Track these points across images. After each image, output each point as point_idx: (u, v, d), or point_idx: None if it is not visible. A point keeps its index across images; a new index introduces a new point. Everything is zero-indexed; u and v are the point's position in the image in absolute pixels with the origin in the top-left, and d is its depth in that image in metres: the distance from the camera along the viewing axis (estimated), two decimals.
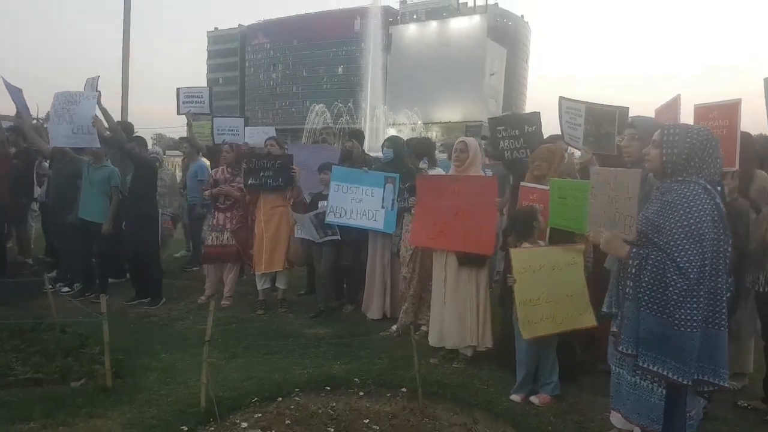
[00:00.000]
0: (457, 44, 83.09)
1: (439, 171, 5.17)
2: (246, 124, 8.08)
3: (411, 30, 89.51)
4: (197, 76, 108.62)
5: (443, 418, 3.74)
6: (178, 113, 8.00)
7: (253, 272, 6.34)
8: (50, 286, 5.44)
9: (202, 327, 5.39)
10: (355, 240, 5.90)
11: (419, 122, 63.14)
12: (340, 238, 5.74)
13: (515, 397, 3.93)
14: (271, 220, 6.03)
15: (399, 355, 4.66)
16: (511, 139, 4.81)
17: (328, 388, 4.08)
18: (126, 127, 7.39)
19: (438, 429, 3.58)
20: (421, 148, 5.24)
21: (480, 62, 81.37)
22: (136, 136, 6.84)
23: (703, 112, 4.34)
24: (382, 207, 5.50)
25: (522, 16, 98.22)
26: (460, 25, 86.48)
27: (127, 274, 7.27)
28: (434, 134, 62.45)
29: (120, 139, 6.45)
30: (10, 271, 7.39)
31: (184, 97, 8.02)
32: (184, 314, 5.96)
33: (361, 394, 4.00)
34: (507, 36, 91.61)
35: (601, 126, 4.30)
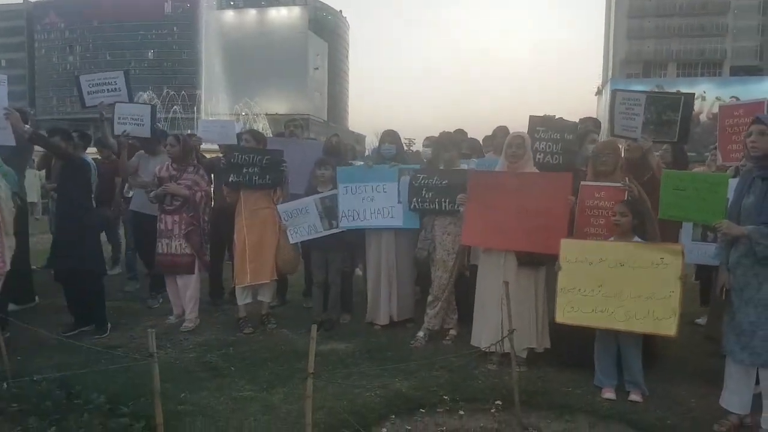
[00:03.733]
0: (278, 35, 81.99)
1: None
2: (153, 114, 6.37)
3: (229, 16, 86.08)
4: None
5: (549, 428, 3.56)
6: (85, 106, 6.43)
7: (233, 285, 5.50)
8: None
9: (193, 356, 4.64)
10: (348, 243, 5.41)
11: (243, 113, 60.92)
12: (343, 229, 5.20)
13: (609, 395, 3.87)
14: (254, 224, 5.28)
15: (457, 366, 4.35)
16: (550, 142, 4.70)
17: (423, 410, 3.66)
18: (21, 114, 5.88)
19: None
20: (470, 146, 4.91)
21: (303, 55, 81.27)
22: (58, 128, 5.53)
23: (728, 110, 4.68)
24: (399, 202, 5.06)
25: (340, 11, 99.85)
26: (280, 15, 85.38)
27: (36, 298, 6.01)
28: (261, 126, 60.84)
29: (42, 137, 5.18)
30: None
31: (90, 87, 6.39)
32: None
33: (461, 413, 3.64)
34: (327, 30, 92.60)
35: (664, 113, 4.42)
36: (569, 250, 3.91)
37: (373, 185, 5.13)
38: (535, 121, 4.75)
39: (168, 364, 4.37)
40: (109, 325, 5.25)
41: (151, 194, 5.39)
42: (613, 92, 4.79)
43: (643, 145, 4.39)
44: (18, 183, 5.26)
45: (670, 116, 4.43)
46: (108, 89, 6.40)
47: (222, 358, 4.60)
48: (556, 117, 4.87)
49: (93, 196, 5.43)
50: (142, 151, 6.20)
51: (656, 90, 5.02)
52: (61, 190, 5.37)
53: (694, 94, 4.66)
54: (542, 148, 4.74)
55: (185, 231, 5.25)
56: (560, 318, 3.90)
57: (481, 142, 6.37)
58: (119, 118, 6.01)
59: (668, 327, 3.62)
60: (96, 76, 6.60)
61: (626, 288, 3.73)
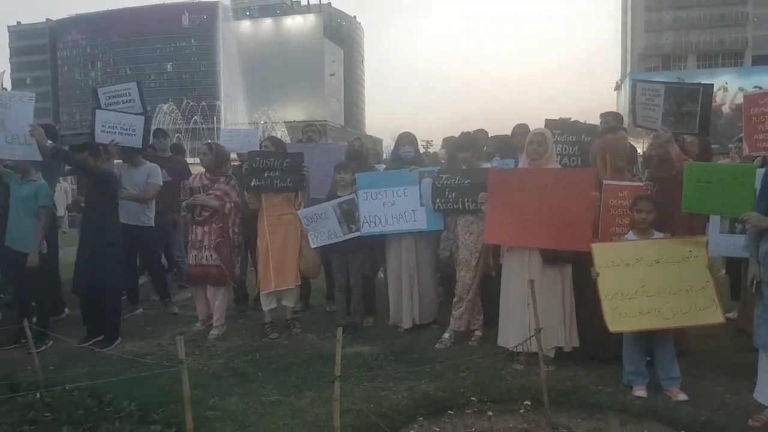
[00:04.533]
0: (294, 43, 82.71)
1: None
2: (147, 124, 6.13)
3: (245, 27, 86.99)
4: None
5: (579, 427, 3.51)
6: None
7: (257, 291, 5.54)
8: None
9: (221, 362, 4.68)
10: (368, 246, 5.41)
11: (262, 121, 61.46)
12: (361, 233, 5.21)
13: (640, 393, 3.80)
14: (277, 230, 5.30)
15: (482, 366, 4.32)
16: (567, 144, 4.76)
17: (451, 411, 3.65)
18: (48, 130, 5.98)
19: None
20: (500, 145, 4.90)
21: (319, 61, 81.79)
22: (88, 143, 5.59)
23: (753, 99, 4.60)
24: (421, 205, 5.04)
25: (355, 17, 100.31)
26: (296, 23, 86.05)
27: (66, 310, 6.12)
28: (279, 134, 61.41)
29: (64, 152, 5.25)
30: None
31: (107, 99, 6.49)
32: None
33: (490, 413, 3.62)
34: (342, 36, 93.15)
35: (684, 105, 4.36)
36: (602, 254, 3.86)
37: (393, 190, 5.11)
38: (551, 125, 4.76)
39: (197, 371, 4.42)
40: (119, 339, 5.23)
41: (183, 204, 5.45)
42: (633, 82, 4.78)
43: (662, 136, 4.31)
44: (51, 197, 5.37)
45: (690, 107, 4.34)
46: (123, 100, 6.49)
47: (249, 363, 4.63)
48: (572, 120, 4.86)
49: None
50: (121, 161, 6.10)
51: (675, 81, 4.99)
52: (87, 204, 5.44)
53: (712, 84, 4.58)
54: (560, 150, 4.78)
55: (215, 242, 5.30)
56: (614, 327, 3.76)
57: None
58: (102, 126, 5.85)
59: (715, 315, 3.63)
60: (112, 89, 6.71)
61: (666, 284, 3.71)
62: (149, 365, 4.29)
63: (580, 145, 4.73)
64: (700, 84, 4.48)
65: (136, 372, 4.10)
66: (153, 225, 6.27)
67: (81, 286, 5.22)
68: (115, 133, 5.84)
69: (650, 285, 3.72)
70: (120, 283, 5.40)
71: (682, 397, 3.71)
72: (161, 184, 6.20)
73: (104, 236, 5.13)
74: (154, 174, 6.13)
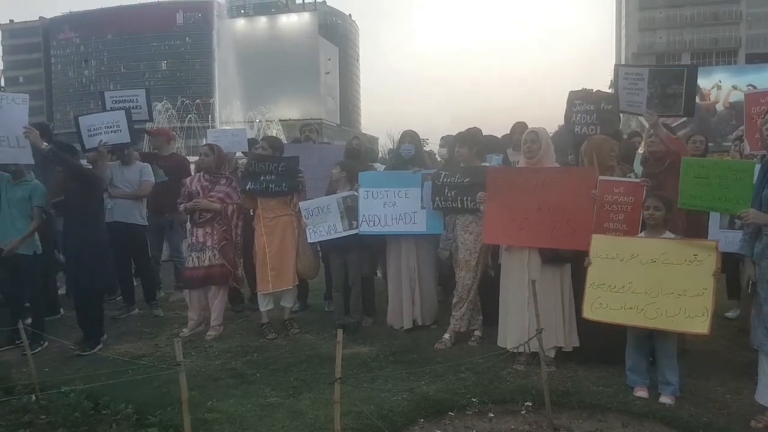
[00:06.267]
0: (289, 41, 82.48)
1: None
2: (129, 118, 5.78)
3: (240, 25, 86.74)
4: None
5: (581, 428, 3.49)
6: None
7: (253, 292, 5.50)
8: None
9: (219, 363, 4.63)
10: (366, 245, 5.37)
11: (257, 120, 61.33)
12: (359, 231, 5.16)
13: (642, 393, 3.77)
14: (274, 231, 5.26)
15: (482, 367, 4.29)
16: (585, 113, 4.75)
17: (452, 413, 3.62)
18: (42, 129, 5.87)
19: None
20: (491, 144, 4.87)
21: (314, 59, 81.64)
22: (65, 144, 5.51)
23: (754, 98, 4.59)
24: (422, 207, 5.00)
25: (350, 15, 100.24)
26: (291, 21, 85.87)
27: (61, 310, 6.07)
28: (275, 132, 61.43)
29: (59, 154, 5.14)
30: None
31: (113, 102, 6.54)
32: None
33: (491, 415, 3.59)
34: (337, 35, 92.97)
35: (669, 87, 4.39)
36: (600, 245, 3.85)
37: (395, 190, 5.07)
38: (573, 96, 4.83)
39: (194, 372, 4.35)
40: (100, 345, 5.08)
41: (181, 207, 5.38)
42: (616, 67, 4.86)
43: (648, 120, 4.33)
44: (45, 197, 5.30)
45: (675, 89, 4.39)
46: (129, 106, 6.48)
47: (247, 364, 4.58)
48: (594, 90, 4.88)
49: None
50: (114, 163, 6.06)
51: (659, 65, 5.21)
52: (71, 206, 5.17)
53: (697, 66, 4.68)
54: (579, 120, 4.81)
55: (218, 244, 5.25)
56: (588, 314, 3.82)
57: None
58: (89, 131, 5.70)
59: (701, 325, 3.50)
60: (119, 93, 6.80)
61: (657, 285, 3.64)
62: (146, 367, 4.24)
63: (597, 113, 4.74)
64: (684, 66, 4.54)
65: (133, 374, 4.06)
66: (146, 224, 6.24)
67: (74, 290, 5.18)
68: (101, 132, 5.71)
69: (639, 283, 3.68)
70: (101, 286, 5.21)
71: (666, 400, 3.69)
72: (154, 181, 6.18)
73: (88, 238, 5.00)
74: (146, 172, 6.15)
